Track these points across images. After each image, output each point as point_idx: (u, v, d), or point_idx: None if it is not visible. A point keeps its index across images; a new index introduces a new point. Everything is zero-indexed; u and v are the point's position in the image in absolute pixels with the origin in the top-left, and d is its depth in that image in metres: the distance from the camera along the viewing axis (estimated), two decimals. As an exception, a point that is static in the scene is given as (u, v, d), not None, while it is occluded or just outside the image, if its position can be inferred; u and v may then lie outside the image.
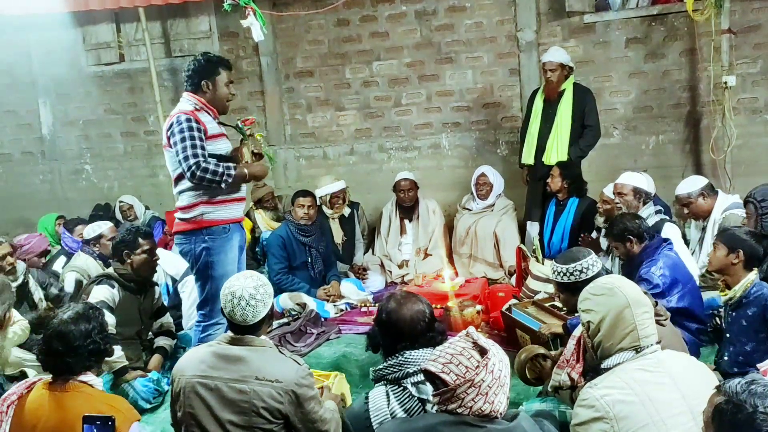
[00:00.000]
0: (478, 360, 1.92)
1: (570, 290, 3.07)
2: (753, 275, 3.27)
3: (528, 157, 5.59)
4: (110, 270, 4.10)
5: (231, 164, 3.63)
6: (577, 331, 2.79)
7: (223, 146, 3.73)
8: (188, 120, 3.55)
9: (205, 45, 6.97)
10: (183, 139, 3.51)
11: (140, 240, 4.05)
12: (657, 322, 2.48)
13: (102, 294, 3.85)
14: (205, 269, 3.71)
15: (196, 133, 3.53)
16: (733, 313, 3.33)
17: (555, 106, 5.42)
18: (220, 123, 3.82)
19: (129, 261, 4.03)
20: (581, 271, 3.08)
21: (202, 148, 3.54)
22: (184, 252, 3.78)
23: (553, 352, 3.17)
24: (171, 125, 3.60)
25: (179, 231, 3.75)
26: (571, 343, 2.79)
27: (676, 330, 3.17)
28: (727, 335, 3.38)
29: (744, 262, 3.29)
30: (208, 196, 3.64)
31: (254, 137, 3.82)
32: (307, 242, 5.44)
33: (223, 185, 3.58)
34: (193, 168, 3.48)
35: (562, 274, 3.13)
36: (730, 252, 3.29)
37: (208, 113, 3.70)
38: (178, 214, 3.75)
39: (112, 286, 3.93)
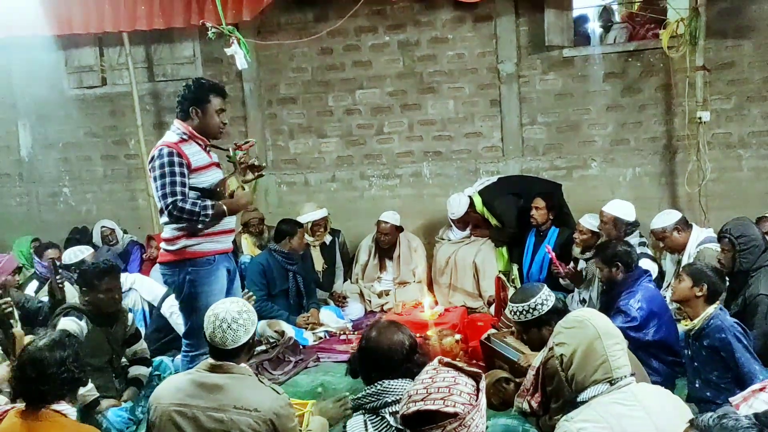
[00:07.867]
0: (474, 385, 1.92)
1: (535, 325, 3.13)
2: (712, 309, 3.34)
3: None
4: (76, 301, 3.99)
5: (209, 203, 3.51)
6: (536, 362, 2.83)
7: (209, 178, 3.61)
8: (170, 154, 3.46)
9: (189, 70, 6.99)
10: (163, 175, 3.44)
11: (96, 282, 3.87)
12: None
13: (68, 326, 3.70)
14: (190, 301, 3.62)
15: (177, 168, 3.44)
16: (696, 344, 3.40)
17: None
18: (213, 147, 3.73)
19: (89, 299, 3.90)
20: (542, 304, 3.13)
21: (182, 185, 3.46)
22: (168, 283, 3.72)
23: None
24: (153, 158, 3.52)
25: (163, 261, 3.67)
26: (530, 373, 2.86)
27: (637, 361, 3.20)
28: (695, 364, 3.43)
29: (706, 297, 3.35)
30: (190, 230, 3.55)
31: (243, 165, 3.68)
32: (293, 269, 5.39)
33: (199, 225, 3.51)
34: (170, 207, 3.42)
35: (524, 312, 3.16)
36: (695, 285, 3.35)
37: (198, 143, 3.60)
38: (163, 245, 3.67)
39: (80, 318, 3.82)
